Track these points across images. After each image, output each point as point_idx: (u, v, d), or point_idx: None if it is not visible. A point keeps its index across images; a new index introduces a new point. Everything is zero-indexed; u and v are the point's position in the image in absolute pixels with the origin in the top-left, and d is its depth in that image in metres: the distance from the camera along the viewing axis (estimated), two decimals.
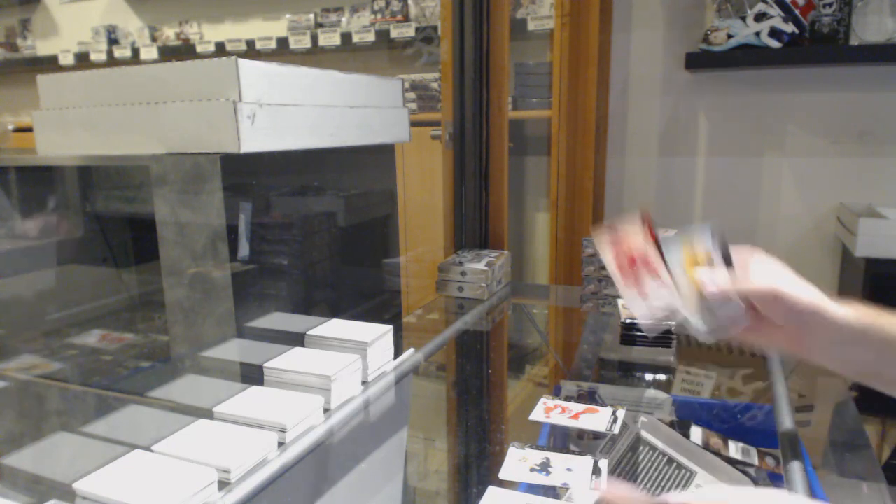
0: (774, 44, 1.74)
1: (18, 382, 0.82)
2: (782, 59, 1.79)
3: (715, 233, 0.67)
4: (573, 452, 0.68)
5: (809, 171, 1.91)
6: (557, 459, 0.67)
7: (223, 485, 0.58)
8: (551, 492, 0.63)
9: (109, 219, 0.89)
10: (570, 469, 0.65)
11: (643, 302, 0.67)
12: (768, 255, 0.66)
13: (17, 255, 0.88)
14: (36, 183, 0.89)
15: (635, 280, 0.67)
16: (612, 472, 0.66)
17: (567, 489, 0.63)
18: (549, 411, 0.79)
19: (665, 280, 0.66)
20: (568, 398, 0.84)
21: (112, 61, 3.13)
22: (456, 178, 1.45)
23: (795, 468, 0.65)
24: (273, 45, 2.73)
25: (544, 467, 0.65)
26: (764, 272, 0.64)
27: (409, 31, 2.49)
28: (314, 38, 2.66)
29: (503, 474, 0.64)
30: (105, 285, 0.92)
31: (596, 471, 0.65)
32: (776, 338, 0.66)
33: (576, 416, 0.77)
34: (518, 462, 0.67)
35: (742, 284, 0.64)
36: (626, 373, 1.02)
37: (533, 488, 0.63)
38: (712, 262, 0.66)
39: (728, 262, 0.66)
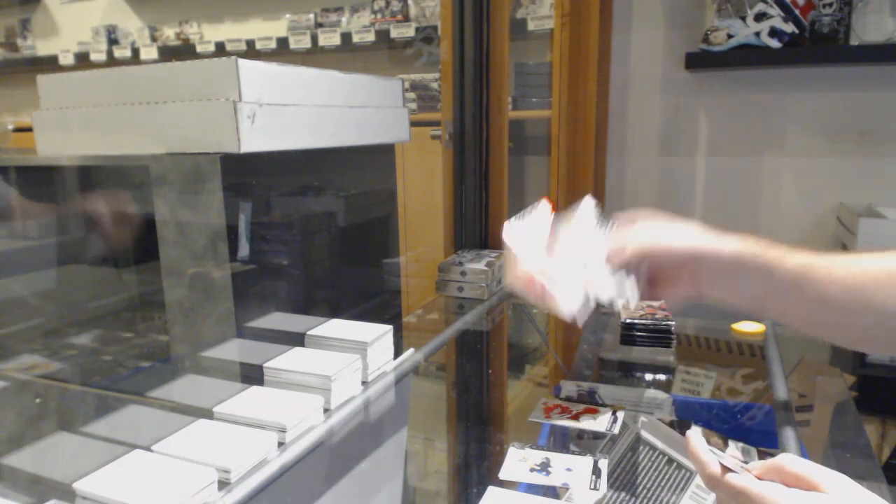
0: (774, 44, 1.74)
1: (18, 382, 0.82)
2: (782, 59, 1.79)
3: (590, 213, 0.71)
4: (573, 452, 0.68)
5: (809, 171, 1.91)
6: (557, 459, 0.67)
7: (223, 485, 0.58)
8: (551, 492, 0.63)
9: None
10: (570, 469, 0.65)
11: (558, 307, 0.68)
12: (653, 212, 0.70)
13: (17, 255, 0.88)
14: (36, 183, 0.89)
15: (540, 294, 0.69)
16: (612, 472, 0.66)
17: (567, 489, 0.63)
18: (549, 411, 0.79)
19: (558, 290, 0.68)
20: (568, 398, 0.84)
21: (112, 61, 3.13)
22: (456, 178, 1.45)
23: None
24: (273, 45, 2.73)
25: (544, 467, 0.65)
26: (639, 236, 0.68)
27: (409, 31, 2.49)
28: (314, 38, 2.66)
29: (503, 474, 0.64)
30: (105, 285, 0.91)
31: (596, 471, 0.65)
32: (677, 291, 0.69)
33: (576, 417, 0.77)
34: (518, 462, 0.67)
35: (615, 258, 0.67)
36: (626, 373, 1.02)
37: (533, 488, 0.63)
38: (590, 246, 0.68)
39: (603, 239, 0.69)
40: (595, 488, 0.62)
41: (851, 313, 0.61)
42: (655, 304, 1.09)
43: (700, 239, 0.65)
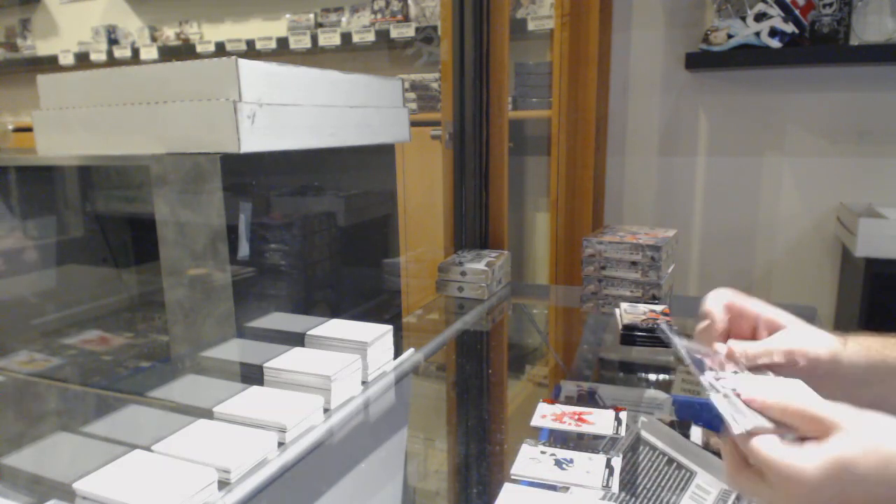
0: (774, 44, 1.74)
1: (18, 382, 0.82)
2: (782, 59, 1.79)
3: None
4: (581, 450, 0.69)
5: (809, 171, 1.91)
6: (569, 457, 0.67)
7: (223, 485, 0.58)
8: (562, 489, 0.63)
9: (109, 219, 0.89)
10: (583, 466, 0.65)
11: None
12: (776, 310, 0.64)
13: (17, 255, 0.88)
14: (36, 183, 0.89)
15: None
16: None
17: (578, 487, 0.63)
18: (545, 418, 0.79)
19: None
20: (568, 398, 0.84)
21: (112, 61, 3.13)
22: (456, 178, 1.45)
23: None
24: (273, 45, 2.73)
25: (557, 464, 0.66)
26: (778, 338, 0.61)
27: (409, 31, 2.49)
28: (314, 38, 2.66)
29: (516, 470, 0.65)
30: (105, 285, 0.92)
31: (609, 468, 0.65)
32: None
33: (580, 421, 0.77)
34: (530, 459, 0.67)
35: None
36: (626, 373, 1.02)
37: (544, 485, 0.63)
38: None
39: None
40: (607, 486, 0.63)
41: None
42: (658, 308, 1.09)
43: (832, 344, 0.60)
